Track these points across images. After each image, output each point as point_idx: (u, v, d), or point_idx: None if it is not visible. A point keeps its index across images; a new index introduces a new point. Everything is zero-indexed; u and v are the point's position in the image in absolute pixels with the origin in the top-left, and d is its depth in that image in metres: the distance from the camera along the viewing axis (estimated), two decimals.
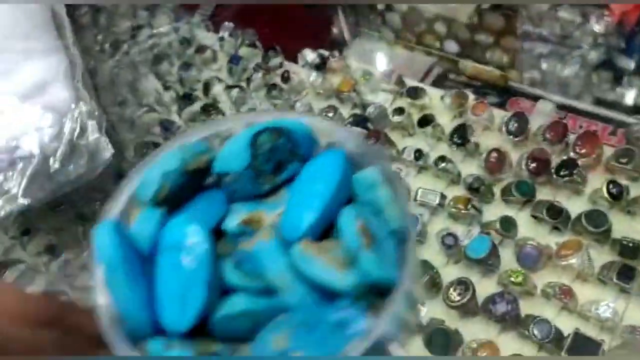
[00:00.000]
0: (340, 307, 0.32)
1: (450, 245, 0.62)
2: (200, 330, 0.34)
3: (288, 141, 0.38)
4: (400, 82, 0.78)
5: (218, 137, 0.41)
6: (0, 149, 0.50)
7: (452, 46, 0.86)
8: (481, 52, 0.85)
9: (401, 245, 0.35)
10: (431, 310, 0.62)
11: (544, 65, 0.81)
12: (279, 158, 0.38)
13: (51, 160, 0.49)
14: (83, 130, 0.51)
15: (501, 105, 0.76)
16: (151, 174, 0.38)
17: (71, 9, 0.79)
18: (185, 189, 0.38)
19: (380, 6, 0.90)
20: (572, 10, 0.82)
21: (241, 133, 0.39)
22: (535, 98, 0.75)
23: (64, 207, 0.76)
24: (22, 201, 0.48)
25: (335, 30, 0.87)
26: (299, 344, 0.32)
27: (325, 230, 0.36)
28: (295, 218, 0.35)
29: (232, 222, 0.37)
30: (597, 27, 0.79)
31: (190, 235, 0.35)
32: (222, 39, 0.90)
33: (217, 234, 0.38)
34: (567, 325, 0.57)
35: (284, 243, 0.34)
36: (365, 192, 0.36)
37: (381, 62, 0.89)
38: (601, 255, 0.60)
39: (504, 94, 0.80)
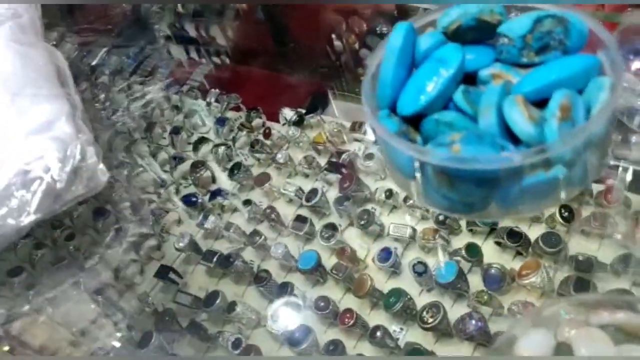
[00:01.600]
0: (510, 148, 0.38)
1: (421, 272, 0.64)
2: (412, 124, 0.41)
3: (564, 32, 0.43)
4: (369, 131, 0.82)
5: (515, 9, 0.48)
6: (15, 173, 0.58)
7: None
8: None
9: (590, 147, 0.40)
10: (408, 335, 0.64)
11: None
12: (548, 42, 0.43)
13: (57, 181, 0.56)
14: (83, 155, 0.58)
15: None
16: (453, 10, 0.46)
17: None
18: (471, 32, 0.45)
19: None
20: None
21: (533, 12, 0.45)
22: None
23: (66, 262, 0.79)
24: (35, 216, 0.55)
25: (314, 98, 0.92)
26: (466, 142, 0.38)
27: None
28: (522, 84, 0.42)
29: (486, 72, 0.44)
30: None
31: (452, 54, 0.42)
32: (209, 104, 0.95)
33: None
34: None
35: (507, 95, 0.40)
36: (591, 91, 0.41)
37: (353, 117, 0.94)
38: (559, 272, 0.62)
39: None
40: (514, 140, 0.39)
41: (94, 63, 1.13)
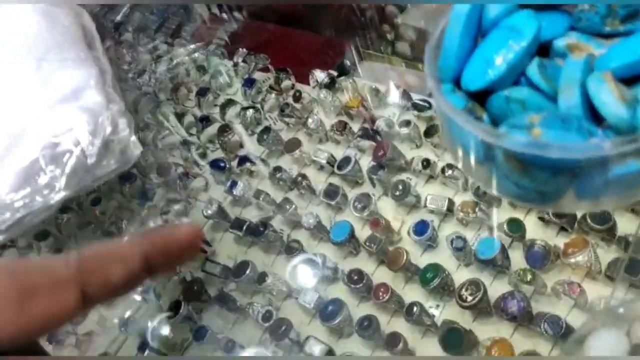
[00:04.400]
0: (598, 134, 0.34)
1: (460, 247, 0.61)
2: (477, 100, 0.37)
3: None
4: (406, 96, 0.78)
5: None
6: (43, 147, 0.53)
7: None
8: None
9: None
10: (445, 312, 0.62)
11: None
12: (637, 9, 0.38)
13: (88, 155, 0.52)
14: (114, 128, 0.54)
15: None
16: None
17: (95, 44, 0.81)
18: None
19: (390, 36, 0.91)
20: None
21: None
22: None
23: (92, 227, 0.77)
24: (63, 193, 0.51)
25: (346, 60, 0.88)
26: (548, 125, 0.33)
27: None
28: (609, 58, 0.37)
29: (562, 42, 0.39)
30: None
31: (526, 23, 0.37)
32: (236, 64, 0.91)
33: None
34: (578, 321, 0.56)
35: (590, 70, 0.36)
36: None
37: (388, 80, 0.89)
38: (608, 253, 0.59)
39: None
40: (597, 123, 0.35)
41: (117, 19, 1.09)
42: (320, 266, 0.66)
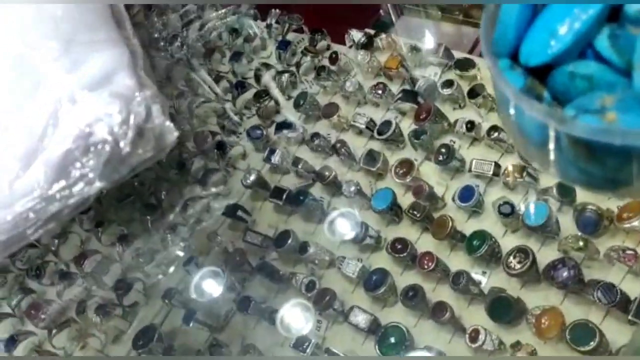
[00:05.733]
0: None
1: (507, 213, 0.61)
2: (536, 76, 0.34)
3: None
4: (448, 54, 0.76)
5: None
6: (75, 137, 0.52)
7: None
8: None
9: None
10: (492, 279, 0.62)
11: None
12: None
13: (122, 144, 0.52)
14: (148, 114, 0.53)
15: None
16: None
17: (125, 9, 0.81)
18: None
19: None
20: None
21: None
22: None
23: (132, 199, 0.79)
24: (98, 184, 0.52)
25: (381, 11, 0.86)
26: (624, 108, 0.30)
27: None
28: None
29: (636, 8, 0.34)
30: None
31: None
32: (269, 26, 0.90)
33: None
34: (633, 289, 0.56)
35: None
36: None
37: (428, 37, 0.87)
38: None
39: None
40: None
41: None
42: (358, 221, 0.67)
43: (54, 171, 0.50)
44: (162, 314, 0.72)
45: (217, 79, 0.88)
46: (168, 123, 0.54)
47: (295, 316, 0.64)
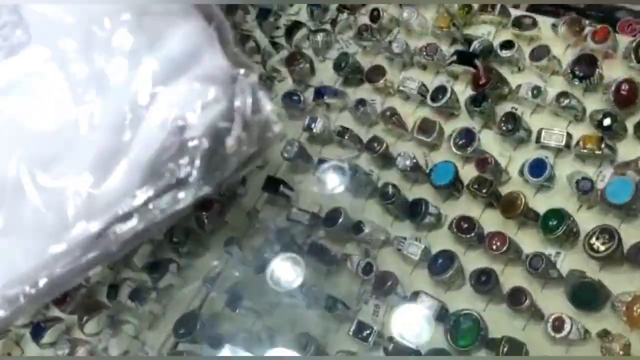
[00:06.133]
0: None
1: (587, 190, 0.56)
2: None
3: None
4: (504, 11, 0.70)
5: None
6: (168, 133, 0.42)
7: None
8: None
9: None
10: (567, 261, 0.58)
11: None
12: None
13: (227, 140, 0.44)
14: (255, 102, 0.45)
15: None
16: None
17: None
18: None
19: None
20: None
21: None
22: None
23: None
24: (202, 189, 0.43)
25: None
26: None
27: None
28: None
29: None
30: None
31: None
32: None
33: None
34: None
35: None
36: None
37: None
38: None
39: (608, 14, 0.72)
40: None
41: None
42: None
43: (143, 176, 0.42)
44: (200, 297, 0.68)
45: (242, 39, 0.82)
46: (273, 112, 0.45)
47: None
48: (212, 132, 0.43)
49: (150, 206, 0.43)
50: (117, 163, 0.43)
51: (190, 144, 0.43)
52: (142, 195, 0.42)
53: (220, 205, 0.69)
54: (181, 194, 0.43)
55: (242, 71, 0.45)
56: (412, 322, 0.57)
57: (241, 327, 0.63)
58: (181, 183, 0.43)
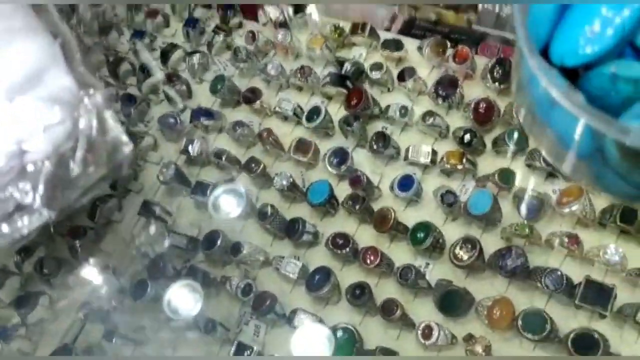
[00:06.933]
0: None
1: (451, 203, 0.61)
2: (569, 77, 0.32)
3: None
4: (373, 34, 0.75)
5: None
6: (8, 156, 0.42)
7: None
8: None
9: None
10: (435, 270, 0.62)
11: None
12: None
13: (70, 163, 0.43)
14: (101, 124, 0.44)
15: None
16: None
17: None
18: None
19: None
20: None
21: None
22: (503, 40, 0.74)
23: None
24: (46, 214, 0.42)
25: None
26: None
27: None
28: None
29: None
30: None
31: None
32: None
33: None
34: (574, 272, 0.58)
35: None
36: None
37: (344, 12, 0.86)
38: (599, 200, 0.61)
39: (473, 37, 0.79)
40: None
41: None
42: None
43: None
44: (74, 330, 0.66)
45: (117, 60, 0.82)
46: (122, 131, 0.45)
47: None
48: (55, 155, 0.43)
49: None
50: None
51: (32, 167, 0.42)
52: None
53: (94, 232, 0.68)
54: (24, 220, 0.42)
55: (89, 91, 0.45)
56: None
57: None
58: (23, 208, 0.42)
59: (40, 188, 0.42)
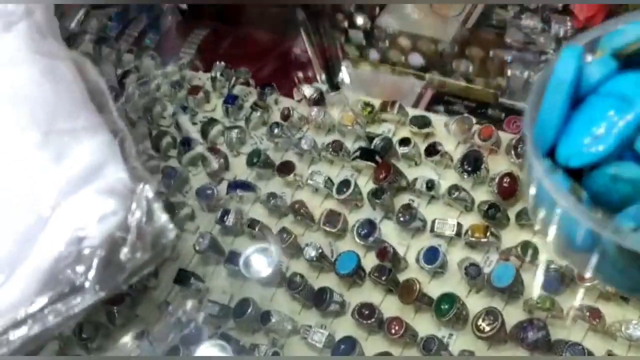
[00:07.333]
0: None
1: (475, 275, 0.64)
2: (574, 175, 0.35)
3: None
4: (401, 110, 0.80)
5: None
6: (68, 242, 0.48)
7: (416, 59, 0.90)
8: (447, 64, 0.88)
9: None
10: (458, 341, 0.64)
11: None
12: None
13: (122, 249, 0.49)
14: (150, 214, 0.50)
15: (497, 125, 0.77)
16: (630, 28, 0.38)
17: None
18: None
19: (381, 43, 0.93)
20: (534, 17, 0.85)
21: None
22: None
23: None
24: (97, 295, 0.48)
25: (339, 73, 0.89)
26: None
27: None
28: None
29: None
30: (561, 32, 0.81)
31: (635, 89, 0.35)
32: (213, 78, 0.91)
33: None
34: (596, 346, 0.59)
35: None
36: None
37: (374, 89, 0.91)
38: None
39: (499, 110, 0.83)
40: None
41: (71, 27, 1.07)
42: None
43: (41, 284, 0.46)
44: None
45: (160, 134, 0.88)
46: (168, 220, 0.51)
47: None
48: (108, 242, 0.48)
49: (46, 311, 0.47)
50: (16, 271, 0.47)
51: (87, 252, 0.47)
52: (40, 301, 0.46)
53: (131, 298, 0.73)
54: (77, 300, 0.47)
55: (140, 185, 0.50)
56: None
57: None
58: (77, 289, 0.47)
59: (93, 271, 0.47)
